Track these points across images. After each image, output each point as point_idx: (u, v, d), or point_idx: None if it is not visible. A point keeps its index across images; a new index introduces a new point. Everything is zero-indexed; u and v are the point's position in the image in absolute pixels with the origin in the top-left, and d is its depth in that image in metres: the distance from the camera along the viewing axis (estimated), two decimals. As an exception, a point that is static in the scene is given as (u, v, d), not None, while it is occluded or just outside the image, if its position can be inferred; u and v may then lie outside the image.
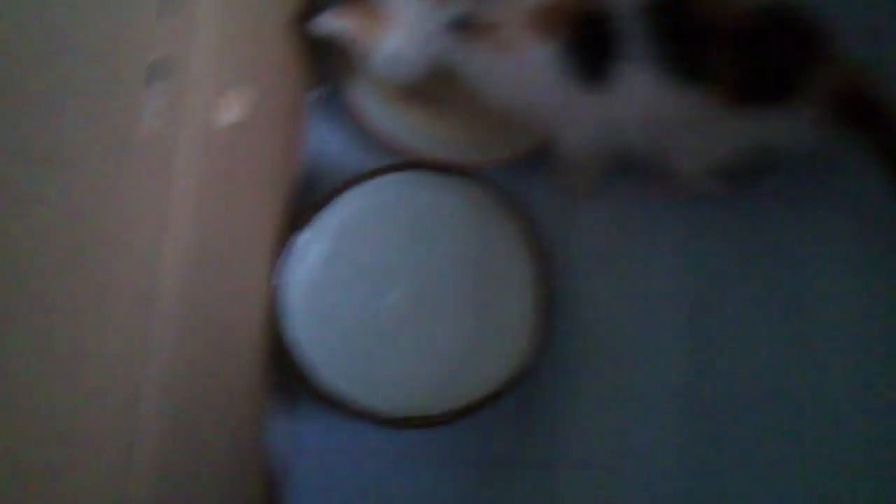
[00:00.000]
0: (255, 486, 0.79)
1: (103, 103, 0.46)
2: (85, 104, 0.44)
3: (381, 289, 0.87)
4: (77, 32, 0.43)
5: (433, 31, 0.79)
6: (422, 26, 0.80)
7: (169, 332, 0.55)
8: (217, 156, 0.63)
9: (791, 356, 0.85)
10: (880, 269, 0.87)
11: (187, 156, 0.57)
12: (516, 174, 0.90)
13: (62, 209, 0.42)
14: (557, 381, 0.86)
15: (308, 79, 0.92)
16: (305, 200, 0.90)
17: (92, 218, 0.46)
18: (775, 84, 0.74)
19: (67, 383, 0.45)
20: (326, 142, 0.95)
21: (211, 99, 0.61)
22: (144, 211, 0.53)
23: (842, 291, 0.86)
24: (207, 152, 0.60)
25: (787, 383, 0.84)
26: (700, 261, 0.89)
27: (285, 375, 0.83)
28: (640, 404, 0.85)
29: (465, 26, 0.79)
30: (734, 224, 0.89)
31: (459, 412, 0.80)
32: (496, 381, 0.81)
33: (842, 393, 0.83)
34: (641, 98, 0.74)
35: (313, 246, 0.87)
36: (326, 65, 0.92)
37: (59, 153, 0.42)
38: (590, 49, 0.75)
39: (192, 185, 0.58)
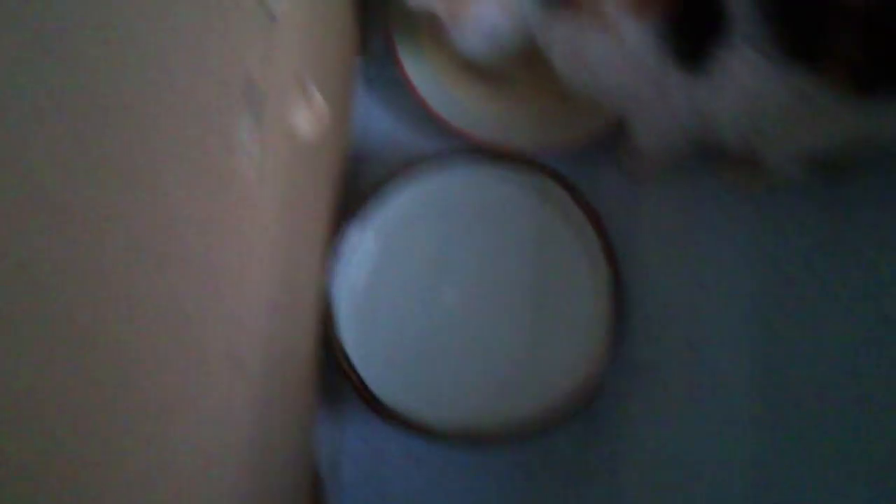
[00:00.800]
0: (305, 489, 0.75)
1: (200, 126, 0.38)
2: (180, 129, 0.36)
3: (436, 287, 0.83)
4: (176, 53, 0.35)
5: (527, 2, 0.73)
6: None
7: (253, 390, 0.49)
8: (296, 173, 0.55)
9: (868, 359, 0.82)
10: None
11: (273, 181, 0.50)
12: (578, 159, 0.85)
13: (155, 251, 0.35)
14: (622, 385, 0.82)
15: (357, 47, 0.85)
16: (355, 183, 0.85)
17: (184, 259, 0.38)
18: None
19: (154, 441, 0.39)
20: (375, 118, 0.89)
21: (292, 112, 0.53)
22: (233, 251, 0.45)
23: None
24: (288, 173, 0.52)
25: (863, 388, 0.81)
26: (774, 255, 0.85)
27: (333, 375, 0.79)
28: (709, 411, 0.82)
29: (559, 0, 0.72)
30: (811, 217, 0.85)
31: (522, 433, 0.76)
32: (562, 391, 0.77)
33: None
34: (746, 83, 0.68)
35: (365, 239, 0.82)
36: (376, 33, 0.86)
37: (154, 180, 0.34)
38: (692, 28, 0.69)
39: (275, 211, 0.51)
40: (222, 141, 0.41)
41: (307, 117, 0.56)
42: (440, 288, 0.82)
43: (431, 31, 0.81)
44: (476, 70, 0.86)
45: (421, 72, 0.86)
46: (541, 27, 0.74)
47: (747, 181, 0.85)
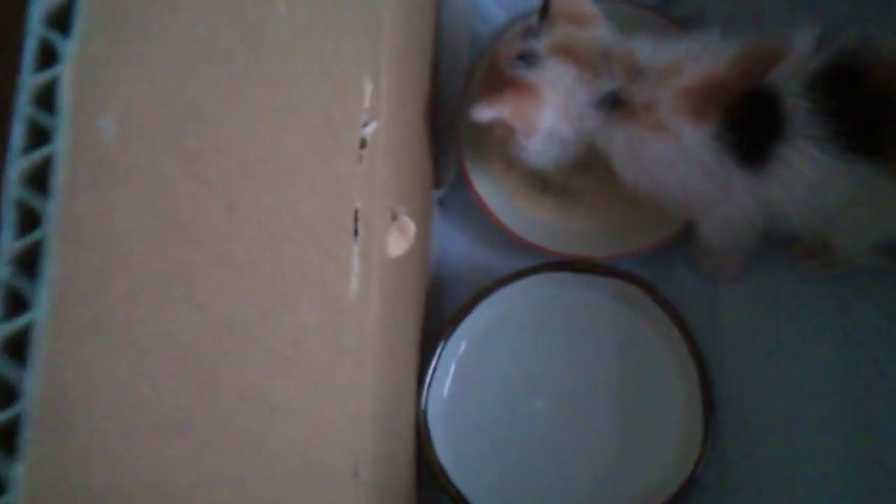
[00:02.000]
0: None
1: (321, 263, 0.43)
2: (303, 265, 0.41)
3: (525, 397, 0.85)
4: (303, 199, 0.40)
5: (585, 107, 0.77)
6: (575, 102, 0.77)
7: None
8: (390, 292, 0.59)
9: None
10: None
11: (372, 300, 0.54)
12: (653, 263, 0.88)
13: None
14: (715, 491, 0.82)
15: (431, 179, 0.91)
16: (438, 305, 0.89)
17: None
18: None
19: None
20: (452, 241, 0.94)
21: (385, 236, 0.57)
22: (346, 366, 0.49)
23: None
24: (383, 292, 0.57)
25: None
26: (859, 341, 0.85)
27: (428, 489, 0.82)
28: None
29: (615, 104, 0.76)
30: (888, 294, 0.86)
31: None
32: (658, 496, 0.78)
33: None
34: (808, 178, 0.71)
35: (454, 355, 0.85)
36: (448, 163, 0.92)
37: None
38: (751, 130, 0.72)
39: (375, 327, 0.55)
40: (338, 267, 0.46)
41: (397, 239, 0.61)
42: (529, 398, 0.85)
43: (499, 150, 0.86)
44: (545, 185, 0.90)
45: (493, 192, 0.90)
46: (600, 133, 0.78)
47: (822, 269, 0.86)
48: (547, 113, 0.77)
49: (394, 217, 0.61)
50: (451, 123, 0.91)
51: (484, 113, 0.77)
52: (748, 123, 0.72)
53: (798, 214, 0.75)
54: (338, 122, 0.46)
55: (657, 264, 0.88)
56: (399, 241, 0.61)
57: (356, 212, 0.49)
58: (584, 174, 0.84)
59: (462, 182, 0.91)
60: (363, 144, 0.51)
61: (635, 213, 0.87)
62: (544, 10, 0.80)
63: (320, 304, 0.44)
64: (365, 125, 0.51)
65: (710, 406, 0.80)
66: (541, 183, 0.90)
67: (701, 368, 0.81)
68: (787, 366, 0.86)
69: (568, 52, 0.77)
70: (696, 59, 0.75)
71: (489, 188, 0.91)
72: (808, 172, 0.71)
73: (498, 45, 0.84)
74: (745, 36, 0.76)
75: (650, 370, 0.84)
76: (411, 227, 0.62)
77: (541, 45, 0.78)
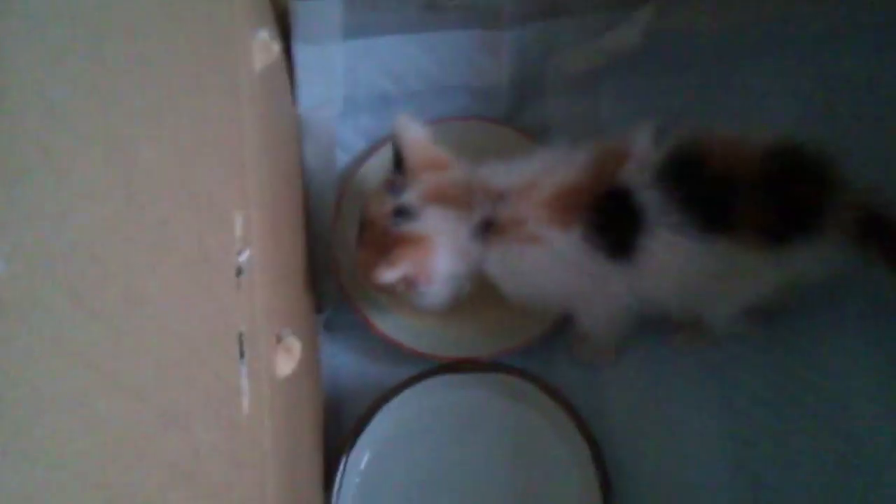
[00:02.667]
0: None
1: (211, 384, 0.45)
2: (194, 387, 0.43)
3: (429, 501, 0.87)
4: (192, 324, 0.43)
5: (468, 240, 0.82)
6: (460, 239, 0.82)
7: None
8: (281, 411, 0.62)
9: (841, 484, 0.87)
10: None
11: (263, 419, 0.56)
12: (536, 356, 0.93)
13: None
14: None
15: (314, 302, 0.94)
16: (335, 423, 0.92)
17: None
18: (801, 221, 0.77)
19: None
20: (341, 360, 0.97)
21: (272, 356, 0.60)
22: (249, 484, 0.51)
23: (882, 410, 0.89)
24: (273, 410, 0.59)
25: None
26: (736, 404, 0.91)
27: None
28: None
29: (487, 228, 0.82)
30: (758, 358, 0.93)
31: None
32: None
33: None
34: (673, 261, 0.77)
35: (354, 468, 0.88)
36: (328, 287, 0.96)
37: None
38: (614, 226, 0.78)
39: (269, 445, 0.57)
40: (228, 388, 0.49)
41: (284, 358, 0.64)
42: (432, 498, 0.87)
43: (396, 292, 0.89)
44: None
45: (375, 308, 0.95)
46: (480, 257, 0.83)
47: (692, 340, 0.93)
48: (442, 257, 0.83)
49: (278, 339, 0.64)
50: (326, 249, 0.96)
51: (388, 275, 0.81)
52: (609, 221, 0.78)
53: (669, 296, 0.82)
54: (213, 253, 0.49)
55: (540, 357, 0.93)
56: (286, 361, 0.64)
57: (240, 335, 0.52)
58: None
59: (344, 303, 0.96)
60: (239, 272, 0.54)
61: (512, 311, 0.92)
62: (399, 164, 0.86)
63: (214, 423, 0.46)
64: (239, 253, 0.54)
65: (606, 486, 0.84)
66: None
67: (594, 450, 0.86)
68: (673, 438, 0.91)
69: (439, 197, 0.83)
70: (549, 171, 0.82)
71: (370, 305, 0.95)
72: (671, 256, 0.77)
73: (366, 202, 0.89)
74: (589, 142, 0.84)
75: (546, 460, 0.88)
76: (296, 346, 0.65)
77: (412, 197, 0.84)
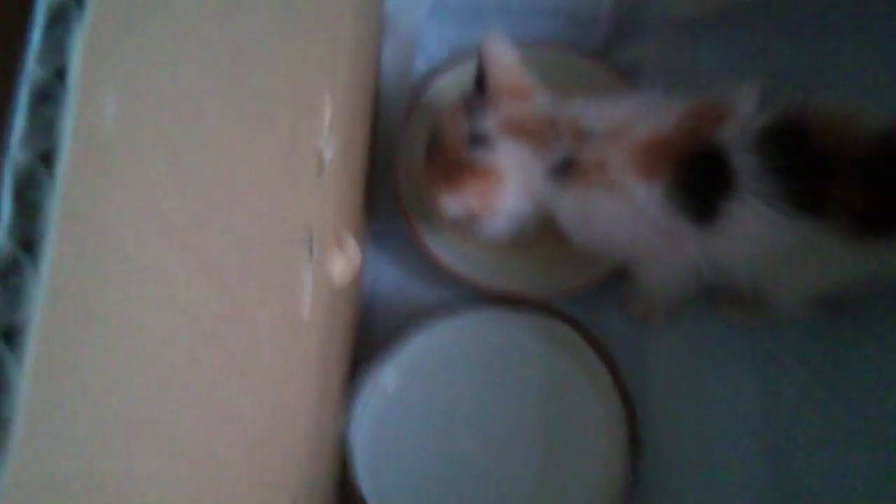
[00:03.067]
0: None
1: (280, 279, 0.43)
2: (265, 277, 0.41)
3: (453, 436, 0.86)
4: (269, 213, 0.40)
5: (541, 180, 0.78)
6: (533, 177, 0.78)
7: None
8: (331, 318, 0.60)
9: (879, 487, 0.85)
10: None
11: (317, 325, 0.54)
12: (584, 301, 0.90)
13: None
14: None
15: (372, 212, 0.92)
16: (368, 335, 0.90)
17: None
18: None
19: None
20: (383, 272, 0.95)
21: (333, 257, 0.58)
22: (292, 389, 0.49)
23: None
24: (325, 317, 0.57)
25: None
26: (777, 387, 0.89)
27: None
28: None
29: (567, 169, 0.78)
30: (809, 350, 0.90)
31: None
32: None
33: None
34: (755, 233, 0.74)
35: (380, 387, 0.86)
36: (383, 196, 0.93)
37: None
38: (700, 187, 0.75)
39: (317, 354, 0.55)
40: (295, 285, 0.46)
41: (343, 263, 0.61)
42: (455, 433, 0.86)
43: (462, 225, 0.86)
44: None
45: (427, 225, 0.92)
46: (552, 198, 0.79)
47: (746, 317, 0.90)
48: (509, 195, 0.79)
49: (340, 244, 0.61)
50: (388, 157, 0.93)
51: (451, 204, 0.78)
52: (698, 180, 0.74)
53: (742, 268, 0.78)
54: (302, 141, 0.47)
55: (588, 304, 0.90)
56: (345, 268, 0.61)
57: (311, 235, 0.50)
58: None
59: (397, 215, 0.92)
60: (321, 168, 0.51)
61: (567, 252, 0.88)
62: (480, 84, 0.81)
63: (279, 321, 0.44)
64: (323, 148, 0.51)
65: (635, 447, 0.82)
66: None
67: (628, 410, 0.84)
68: (709, 412, 0.88)
69: (518, 129, 0.79)
70: (642, 119, 0.77)
71: (424, 221, 0.92)
72: (755, 228, 0.73)
73: (441, 119, 0.84)
74: (688, 94, 0.79)
75: (577, 410, 0.86)
76: (356, 254, 0.63)
77: (489, 125, 0.79)
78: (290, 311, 0.47)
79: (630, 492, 0.81)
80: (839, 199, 0.72)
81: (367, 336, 0.91)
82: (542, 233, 0.86)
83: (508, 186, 0.78)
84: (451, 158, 0.80)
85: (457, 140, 0.79)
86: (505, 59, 0.81)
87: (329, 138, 0.52)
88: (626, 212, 0.77)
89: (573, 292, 0.90)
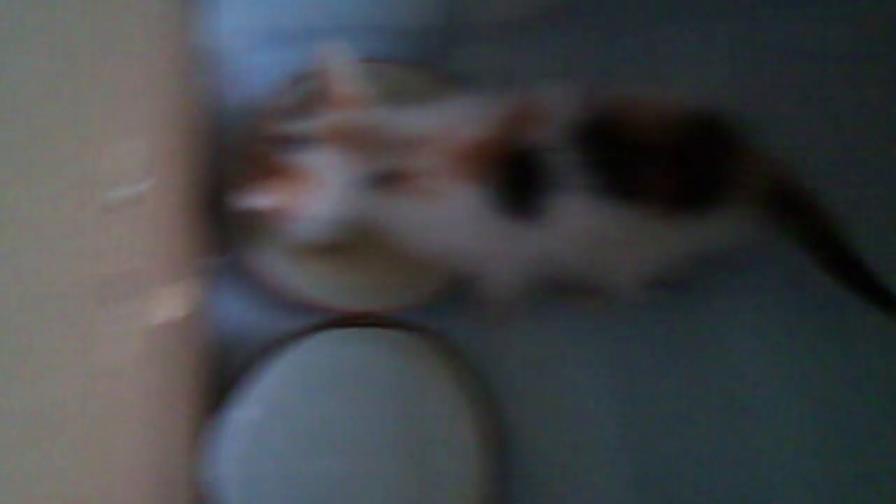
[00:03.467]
0: None
1: (81, 329, 0.43)
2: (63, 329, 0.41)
3: (318, 456, 0.86)
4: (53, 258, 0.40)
5: (359, 187, 0.80)
6: (348, 185, 0.80)
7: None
8: (158, 361, 0.60)
9: (730, 452, 0.88)
10: (811, 355, 0.91)
11: (138, 370, 0.54)
12: (437, 311, 0.92)
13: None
14: None
15: (205, 247, 0.91)
16: (222, 372, 0.89)
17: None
18: (710, 189, 0.78)
19: None
20: (230, 308, 0.94)
21: (154, 299, 0.58)
22: (114, 434, 0.49)
23: (774, 381, 0.90)
24: (150, 360, 0.57)
25: (728, 481, 0.87)
26: (630, 368, 0.92)
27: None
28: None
29: (388, 179, 0.79)
30: (653, 326, 0.93)
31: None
32: None
33: (781, 486, 0.87)
34: (579, 226, 0.77)
35: (240, 420, 0.85)
36: (222, 231, 0.93)
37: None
38: (520, 186, 0.77)
39: (143, 399, 0.55)
40: (86, 335, 0.46)
41: (168, 302, 0.61)
42: (320, 453, 0.86)
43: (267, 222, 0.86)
44: (320, 245, 0.91)
45: (266, 256, 0.91)
46: (378, 209, 0.81)
47: (591, 305, 0.92)
48: (322, 199, 0.81)
49: (166, 281, 0.61)
50: (222, 188, 0.91)
51: (258, 201, 0.79)
52: (517, 180, 0.77)
53: (571, 259, 0.81)
54: (99, 181, 0.47)
55: (440, 311, 0.91)
56: (172, 308, 0.61)
57: (110, 277, 0.50)
58: (357, 234, 0.86)
59: (240, 247, 0.92)
60: (121, 205, 0.51)
61: (410, 265, 0.89)
62: (308, 90, 0.83)
63: (71, 371, 0.44)
64: (129, 185, 0.52)
65: (500, 443, 0.85)
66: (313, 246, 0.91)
67: (490, 409, 0.86)
68: (571, 400, 0.91)
69: (341, 137, 0.80)
70: (463, 123, 0.80)
71: (262, 253, 0.91)
72: (580, 220, 0.77)
73: (260, 122, 0.85)
74: (508, 95, 0.82)
75: (438, 416, 0.87)
76: (189, 292, 0.62)
77: (311, 129, 0.81)
78: (101, 358, 0.47)
79: (501, 486, 0.83)
80: (654, 184, 0.76)
81: (224, 372, 0.89)
82: (384, 249, 0.87)
83: (322, 190, 0.80)
84: (267, 157, 0.81)
85: (276, 140, 0.81)
86: (338, 68, 0.83)
87: (133, 178, 0.52)
88: (452, 217, 0.79)
89: (420, 301, 0.91)
